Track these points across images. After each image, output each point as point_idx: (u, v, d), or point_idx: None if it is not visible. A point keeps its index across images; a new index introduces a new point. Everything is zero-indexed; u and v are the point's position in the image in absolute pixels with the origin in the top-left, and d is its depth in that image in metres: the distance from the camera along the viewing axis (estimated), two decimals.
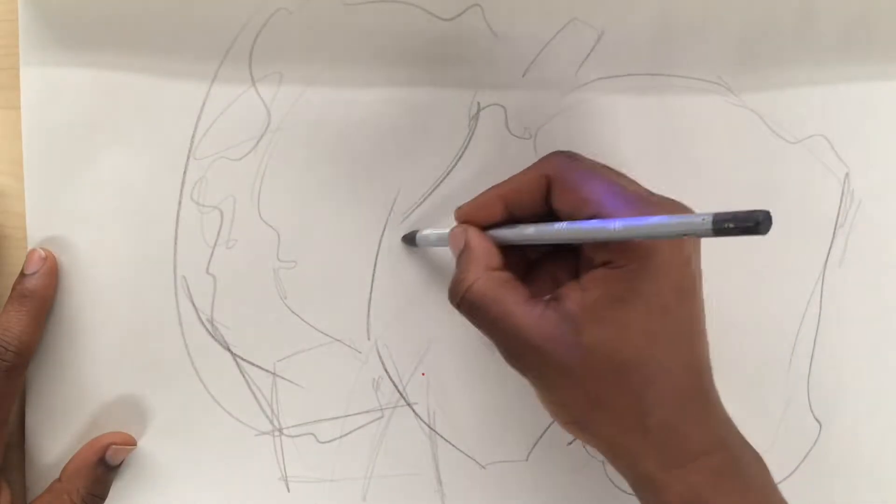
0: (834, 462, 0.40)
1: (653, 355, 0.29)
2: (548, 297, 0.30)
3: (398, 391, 0.37)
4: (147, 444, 0.36)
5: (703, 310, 0.31)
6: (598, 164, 0.32)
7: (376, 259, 0.36)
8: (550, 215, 0.31)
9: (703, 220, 0.24)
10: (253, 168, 0.35)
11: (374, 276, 0.36)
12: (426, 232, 0.35)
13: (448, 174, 0.36)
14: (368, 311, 0.37)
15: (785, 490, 0.37)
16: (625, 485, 0.38)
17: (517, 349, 0.30)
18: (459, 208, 0.34)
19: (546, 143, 0.37)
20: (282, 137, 0.35)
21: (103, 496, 0.35)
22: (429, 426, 0.37)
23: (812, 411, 0.39)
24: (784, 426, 0.39)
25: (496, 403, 0.37)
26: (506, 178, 0.36)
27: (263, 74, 0.35)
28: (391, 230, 0.36)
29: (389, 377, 0.37)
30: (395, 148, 0.36)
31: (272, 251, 0.36)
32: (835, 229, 0.39)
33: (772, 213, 0.22)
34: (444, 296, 0.36)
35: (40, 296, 0.33)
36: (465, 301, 0.31)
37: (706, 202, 0.38)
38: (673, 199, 0.30)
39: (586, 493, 0.38)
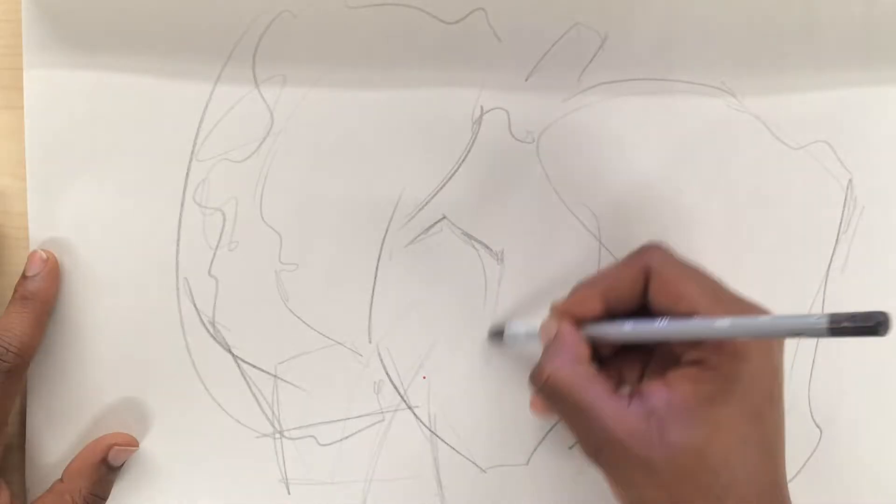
0: (834, 468, 0.40)
1: (740, 459, 0.28)
2: (631, 393, 0.30)
3: (399, 394, 0.37)
4: (148, 445, 0.36)
5: (784, 418, 0.30)
6: (693, 262, 0.32)
7: (378, 262, 0.36)
8: (643, 311, 0.31)
9: (818, 319, 0.23)
10: (256, 170, 0.35)
11: (375, 279, 0.36)
12: (516, 329, 0.35)
13: (451, 178, 0.36)
14: (370, 314, 0.37)
15: None
16: None
17: (599, 442, 0.29)
18: (556, 303, 0.33)
19: (549, 148, 0.37)
20: (285, 140, 0.35)
21: (105, 497, 0.35)
22: (430, 429, 0.37)
23: (813, 417, 0.39)
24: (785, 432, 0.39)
25: (497, 407, 0.37)
26: (508, 181, 0.36)
27: (267, 76, 0.35)
28: (393, 233, 0.36)
29: (390, 380, 0.37)
30: (398, 151, 0.36)
31: (274, 253, 0.36)
32: (838, 235, 0.39)
33: (890, 315, 0.22)
34: (446, 298, 0.37)
35: (42, 298, 0.33)
36: (547, 386, 0.30)
37: (708, 207, 0.38)
38: (763, 306, 0.30)
39: (587, 497, 0.38)
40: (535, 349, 0.34)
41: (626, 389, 0.31)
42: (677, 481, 0.28)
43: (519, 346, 0.36)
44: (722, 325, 0.27)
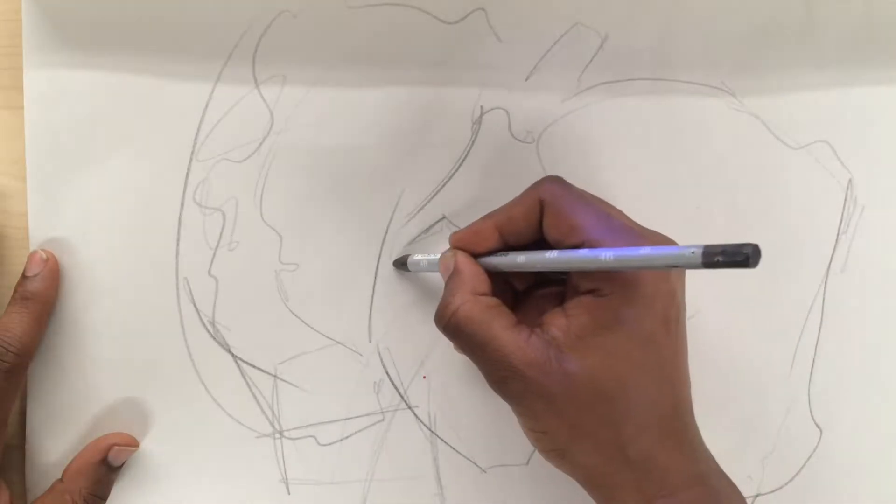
0: (834, 468, 0.40)
1: (636, 385, 0.29)
2: (534, 325, 0.30)
3: (399, 394, 0.37)
4: (148, 445, 0.36)
5: (685, 343, 0.31)
6: (588, 193, 0.32)
7: (378, 262, 0.36)
8: (541, 244, 0.31)
9: (693, 252, 0.24)
10: (255, 170, 0.35)
11: (375, 278, 0.36)
12: (417, 257, 0.35)
13: (451, 178, 0.36)
14: (370, 313, 0.37)
15: (784, 496, 0.37)
16: None
17: (501, 374, 0.29)
18: (454, 234, 0.34)
19: (549, 147, 0.37)
20: (285, 140, 0.35)
21: (105, 497, 0.35)
22: (430, 429, 0.37)
23: (813, 417, 0.39)
24: (785, 432, 0.39)
25: (497, 407, 0.37)
26: (508, 181, 0.36)
27: (267, 77, 0.35)
28: (393, 233, 0.36)
29: (391, 380, 0.37)
30: (398, 151, 0.36)
31: (274, 253, 0.36)
32: (837, 235, 0.39)
33: (760, 247, 0.22)
34: None
35: (42, 298, 0.33)
36: (450, 324, 0.31)
37: (708, 207, 0.38)
38: (659, 232, 0.30)
39: (587, 497, 0.38)
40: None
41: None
42: (575, 410, 0.28)
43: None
44: (606, 256, 0.27)
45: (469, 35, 0.36)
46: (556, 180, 0.32)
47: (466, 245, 0.33)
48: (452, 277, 0.32)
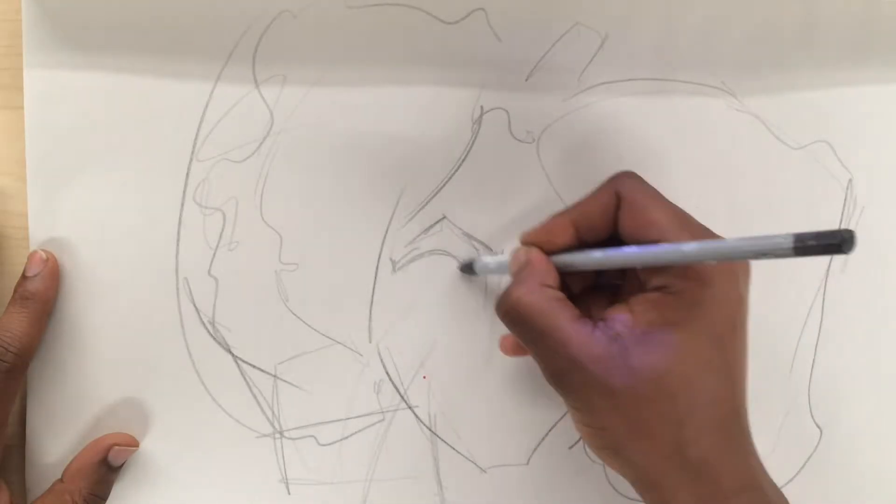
0: (834, 468, 0.40)
1: (701, 384, 0.28)
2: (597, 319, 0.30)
3: (399, 394, 0.37)
4: (148, 445, 0.36)
5: (747, 347, 0.30)
6: (660, 193, 0.31)
7: (378, 261, 0.36)
8: (612, 241, 0.31)
9: (784, 239, 0.23)
10: (255, 170, 0.35)
11: (376, 278, 0.36)
12: (486, 259, 0.35)
13: (451, 177, 0.36)
14: (370, 313, 0.37)
15: (785, 495, 0.37)
16: (625, 489, 0.38)
17: (561, 367, 0.29)
18: (525, 232, 0.33)
19: (549, 147, 0.37)
20: (285, 139, 0.35)
21: (105, 497, 0.35)
22: (430, 429, 0.37)
23: (813, 417, 0.39)
24: (785, 432, 0.39)
25: (497, 407, 0.37)
26: (508, 181, 0.36)
27: (267, 76, 0.35)
28: (393, 233, 0.36)
29: (391, 380, 0.37)
30: (398, 151, 0.36)
31: (274, 253, 0.36)
32: None
33: (855, 233, 0.22)
34: (446, 299, 0.37)
35: (41, 298, 0.33)
36: (512, 310, 0.30)
37: (708, 207, 0.38)
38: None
39: (587, 497, 0.38)
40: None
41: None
42: (636, 406, 0.28)
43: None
44: (689, 248, 0.27)
45: (469, 35, 0.36)
46: (633, 175, 0.31)
47: (539, 242, 0.32)
48: (522, 269, 0.31)
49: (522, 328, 0.30)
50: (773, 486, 0.30)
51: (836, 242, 0.22)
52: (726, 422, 0.29)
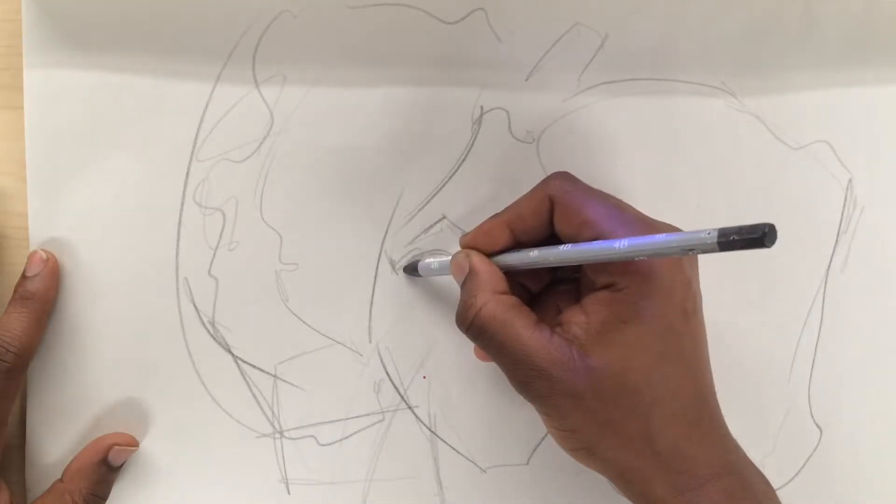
0: (834, 468, 0.40)
1: (660, 376, 0.29)
2: (555, 322, 0.30)
3: (399, 394, 0.37)
4: (148, 445, 0.36)
5: (704, 331, 0.31)
6: (596, 189, 0.32)
7: (378, 261, 0.36)
8: (553, 240, 0.31)
9: (708, 234, 0.24)
10: (255, 170, 0.35)
11: (375, 278, 0.36)
12: (428, 260, 0.35)
13: (451, 178, 0.36)
14: (370, 313, 0.37)
15: (785, 495, 0.37)
16: None
17: (525, 375, 0.29)
18: (464, 236, 0.34)
19: (549, 147, 0.37)
20: (284, 140, 0.35)
21: (105, 497, 0.35)
22: (430, 429, 0.37)
23: (813, 417, 0.39)
24: (785, 432, 0.39)
25: (497, 407, 0.37)
26: (508, 181, 0.36)
27: (267, 76, 0.35)
28: (393, 233, 0.36)
29: (391, 380, 0.37)
30: (398, 151, 0.36)
31: (274, 253, 0.36)
32: (837, 235, 0.39)
33: (776, 226, 0.22)
34: (446, 299, 0.37)
35: (41, 298, 0.33)
36: (474, 325, 0.31)
37: (708, 207, 0.38)
38: (670, 224, 0.30)
39: (587, 497, 0.38)
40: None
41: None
42: (602, 405, 0.28)
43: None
44: (620, 245, 0.27)
45: (469, 35, 0.36)
46: (564, 176, 0.32)
47: (477, 245, 0.33)
48: (469, 278, 0.32)
49: (484, 340, 0.30)
50: (750, 465, 0.30)
51: (757, 237, 0.22)
52: (692, 409, 0.29)
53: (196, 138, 0.35)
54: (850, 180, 0.39)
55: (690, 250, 0.25)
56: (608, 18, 0.36)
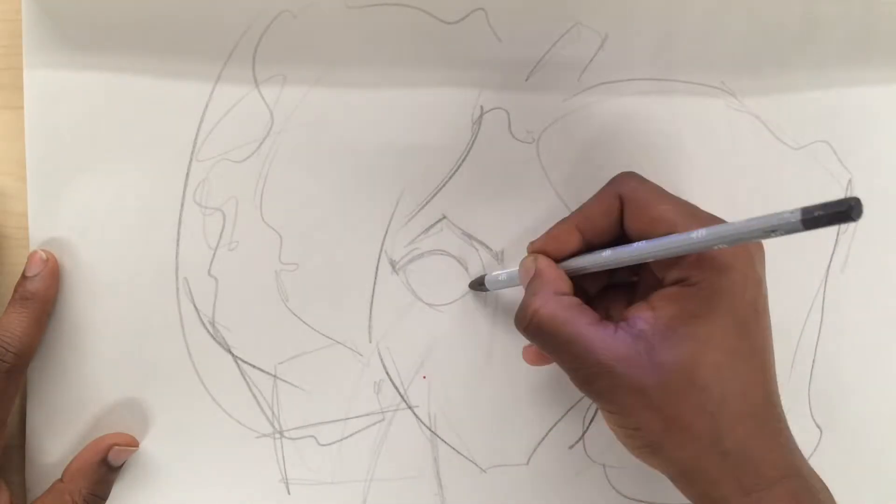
0: (834, 468, 0.39)
1: (731, 373, 0.28)
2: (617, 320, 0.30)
3: (399, 394, 0.37)
4: (148, 445, 0.36)
5: (771, 332, 0.30)
6: (664, 189, 0.31)
7: (378, 261, 0.36)
8: (621, 241, 0.31)
9: (792, 213, 0.23)
10: (255, 170, 0.35)
11: (375, 278, 0.36)
12: (495, 273, 0.35)
13: (451, 177, 0.36)
14: (370, 313, 0.37)
15: None
16: (626, 489, 0.38)
17: (589, 372, 0.29)
18: (533, 242, 0.33)
19: (549, 147, 0.37)
20: (285, 140, 0.35)
21: (105, 496, 0.35)
22: (430, 429, 0.37)
23: (813, 417, 0.39)
24: None
25: (497, 407, 0.37)
26: (508, 181, 0.36)
27: (267, 76, 0.35)
28: (393, 233, 0.36)
29: (391, 380, 0.37)
30: (398, 151, 0.36)
31: (274, 253, 0.36)
32: (837, 235, 0.39)
33: (858, 200, 0.22)
34: (446, 299, 0.37)
35: (41, 298, 0.33)
36: (532, 324, 0.30)
37: (709, 206, 0.38)
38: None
39: (587, 497, 0.38)
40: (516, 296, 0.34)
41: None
42: (669, 401, 0.28)
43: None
44: (698, 235, 0.27)
45: (469, 35, 0.36)
46: (633, 175, 0.32)
47: (546, 250, 0.32)
48: (532, 280, 0.31)
49: (544, 339, 0.30)
50: (813, 471, 0.29)
51: (843, 210, 0.22)
52: (760, 409, 0.29)
53: (196, 138, 0.35)
54: (850, 180, 0.39)
55: (773, 232, 0.24)
56: (608, 18, 0.36)
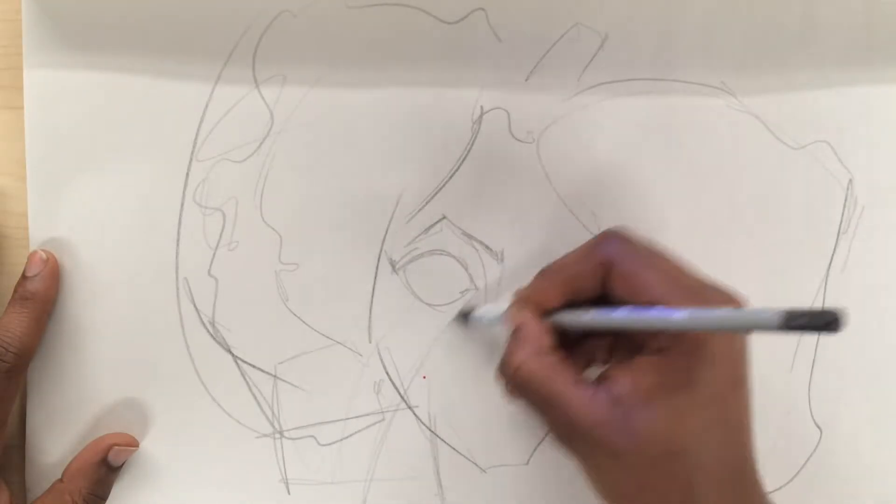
0: (834, 468, 0.40)
1: (706, 443, 0.28)
2: (596, 378, 0.30)
3: (399, 394, 0.37)
4: (148, 445, 0.36)
5: (751, 401, 0.30)
6: (653, 248, 0.31)
7: (378, 262, 0.36)
8: (605, 299, 0.31)
9: (772, 316, 0.23)
10: (255, 170, 0.35)
11: (375, 278, 0.36)
12: (481, 312, 0.35)
13: (451, 178, 0.36)
14: (370, 313, 0.37)
15: (784, 496, 0.37)
16: None
17: (567, 431, 0.29)
18: (518, 291, 0.33)
19: (549, 147, 0.37)
20: (285, 139, 0.35)
21: (105, 497, 0.35)
22: (430, 429, 0.37)
23: (813, 417, 0.39)
24: (785, 432, 0.39)
25: (497, 407, 0.37)
26: (508, 181, 0.36)
27: (267, 76, 0.35)
28: (393, 233, 0.36)
29: (391, 380, 0.37)
30: (398, 151, 0.36)
31: (274, 253, 0.36)
32: (838, 235, 0.39)
33: (845, 312, 0.22)
34: (446, 299, 0.37)
35: (41, 298, 0.33)
36: (513, 381, 0.31)
37: (709, 206, 0.38)
38: (726, 288, 0.30)
39: (587, 497, 0.38)
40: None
41: (594, 372, 0.31)
42: (645, 467, 0.28)
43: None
44: (679, 317, 0.27)
45: (469, 35, 0.36)
46: (619, 238, 0.32)
47: (531, 303, 0.33)
48: (515, 333, 0.32)
49: (525, 395, 0.31)
50: None
51: (823, 324, 0.22)
52: (735, 476, 0.29)
53: (196, 138, 0.35)
54: (850, 180, 0.39)
55: (753, 329, 0.25)
56: (608, 18, 0.36)
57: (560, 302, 0.32)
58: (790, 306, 0.23)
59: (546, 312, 0.32)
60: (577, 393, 0.29)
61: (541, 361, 0.30)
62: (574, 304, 0.32)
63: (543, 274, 0.33)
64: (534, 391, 0.30)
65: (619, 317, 0.29)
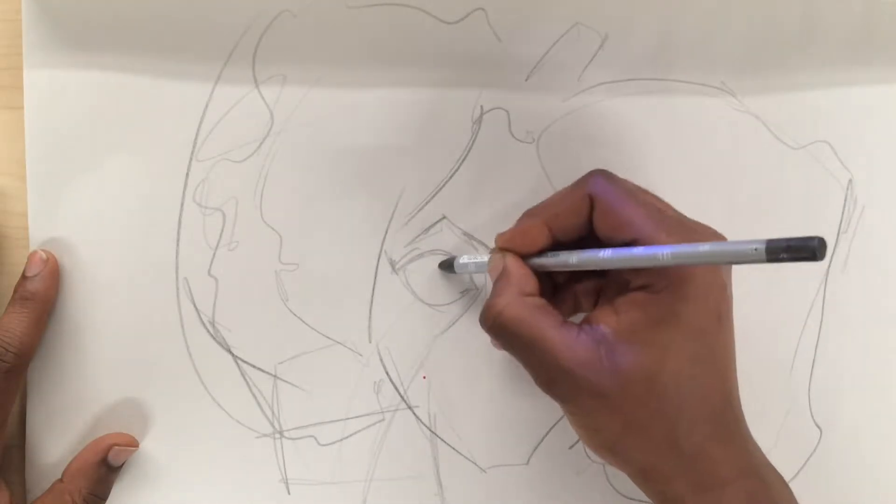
0: (834, 468, 0.40)
1: (690, 379, 0.29)
2: (581, 321, 0.30)
3: (399, 394, 0.37)
4: (148, 445, 0.36)
5: (734, 336, 0.31)
6: (636, 186, 0.31)
7: (378, 262, 0.36)
8: (591, 238, 0.31)
9: (756, 248, 0.24)
10: (255, 170, 0.35)
11: (375, 278, 0.36)
12: (464, 260, 0.35)
13: (451, 177, 0.36)
14: (370, 313, 0.37)
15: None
16: (626, 489, 0.38)
17: (550, 374, 0.29)
18: (501, 235, 0.33)
19: (549, 147, 0.37)
20: (285, 139, 0.35)
21: (105, 497, 0.35)
22: (430, 429, 0.37)
23: (813, 417, 0.39)
24: (785, 431, 0.39)
25: (497, 407, 0.37)
26: (508, 181, 0.36)
27: (267, 76, 0.35)
28: (393, 233, 0.36)
29: (391, 380, 0.37)
30: (398, 151, 0.36)
31: (274, 253, 0.36)
32: (837, 235, 0.39)
33: (826, 239, 0.22)
34: (446, 299, 0.37)
35: (41, 298, 0.33)
36: (496, 324, 0.30)
37: (709, 206, 0.38)
38: (709, 226, 0.30)
39: (587, 497, 0.38)
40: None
41: (579, 320, 0.31)
42: (629, 406, 0.28)
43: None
44: (664, 253, 0.27)
45: (469, 35, 0.36)
46: (604, 174, 0.31)
47: (514, 245, 0.32)
48: (500, 278, 0.32)
49: (507, 340, 0.30)
50: (772, 470, 0.30)
51: (807, 253, 0.22)
52: (718, 412, 0.29)
53: (196, 138, 0.35)
54: (850, 180, 0.39)
55: (737, 261, 0.25)
56: (608, 18, 0.36)
57: (545, 242, 0.32)
58: (772, 237, 0.23)
59: (530, 256, 0.32)
60: (561, 334, 0.29)
61: (524, 304, 0.30)
62: (559, 246, 0.32)
63: (528, 213, 0.33)
64: (517, 334, 0.30)
65: (604, 256, 0.29)
